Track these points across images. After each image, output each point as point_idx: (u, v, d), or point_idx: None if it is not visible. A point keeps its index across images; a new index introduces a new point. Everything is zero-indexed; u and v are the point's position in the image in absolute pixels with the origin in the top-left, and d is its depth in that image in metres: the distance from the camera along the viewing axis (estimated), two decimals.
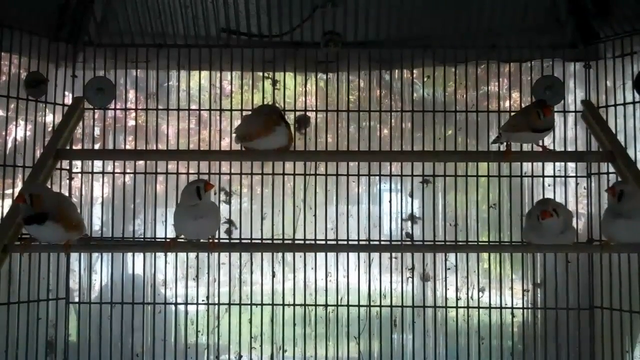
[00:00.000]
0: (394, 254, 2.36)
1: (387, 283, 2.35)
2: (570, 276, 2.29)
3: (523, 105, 2.29)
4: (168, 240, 2.00)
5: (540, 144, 2.03)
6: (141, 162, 2.35)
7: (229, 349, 2.39)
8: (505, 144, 2.02)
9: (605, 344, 2.21)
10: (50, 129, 2.28)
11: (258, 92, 2.43)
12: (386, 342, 2.35)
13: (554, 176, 2.33)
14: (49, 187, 2.06)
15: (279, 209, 2.33)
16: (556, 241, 1.84)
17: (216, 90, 2.41)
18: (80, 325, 2.35)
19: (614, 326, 2.19)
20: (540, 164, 2.34)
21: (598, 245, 2.08)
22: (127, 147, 2.38)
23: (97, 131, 2.39)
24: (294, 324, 2.33)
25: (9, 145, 2.28)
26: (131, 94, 2.41)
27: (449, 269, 2.36)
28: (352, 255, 2.34)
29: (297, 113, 2.38)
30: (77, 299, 2.36)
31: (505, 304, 2.34)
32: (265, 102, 2.38)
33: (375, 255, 2.36)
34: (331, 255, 2.37)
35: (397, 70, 2.44)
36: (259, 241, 2.34)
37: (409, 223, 2.39)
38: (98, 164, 2.37)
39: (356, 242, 2.34)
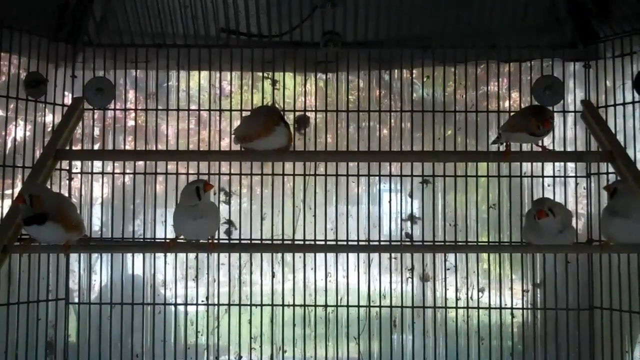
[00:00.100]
0: (393, 255, 2.36)
1: (386, 283, 2.35)
2: (570, 276, 2.29)
3: (523, 106, 2.29)
4: (168, 240, 2.00)
5: (540, 144, 2.03)
6: (141, 163, 2.35)
7: (229, 350, 2.38)
8: (504, 144, 2.01)
9: (604, 344, 2.21)
10: (50, 129, 2.28)
11: (258, 92, 2.43)
12: (386, 343, 2.35)
13: (554, 176, 2.33)
14: (49, 187, 2.06)
15: (278, 209, 2.33)
16: (555, 241, 1.84)
17: (216, 91, 2.41)
18: (80, 325, 2.35)
19: (614, 326, 2.18)
20: (539, 164, 2.34)
21: (597, 245, 2.08)
22: (127, 147, 2.38)
23: (96, 131, 2.39)
24: (294, 325, 2.33)
25: (9, 145, 2.28)
26: (131, 94, 2.41)
27: (448, 269, 2.36)
28: (352, 256, 2.34)
29: (297, 113, 2.38)
30: (76, 300, 2.36)
31: (505, 305, 2.34)
32: (265, 102, 2.38)
33: (374, 256, 2.36)
34: (331, 256, 2.36)
35: (396, 70, 2.43)
36: (259, 241, 2.34)
37: (409, 223, 2.39)
38: (98, 164, 2.37)
39: (356, 243, 2.34)
